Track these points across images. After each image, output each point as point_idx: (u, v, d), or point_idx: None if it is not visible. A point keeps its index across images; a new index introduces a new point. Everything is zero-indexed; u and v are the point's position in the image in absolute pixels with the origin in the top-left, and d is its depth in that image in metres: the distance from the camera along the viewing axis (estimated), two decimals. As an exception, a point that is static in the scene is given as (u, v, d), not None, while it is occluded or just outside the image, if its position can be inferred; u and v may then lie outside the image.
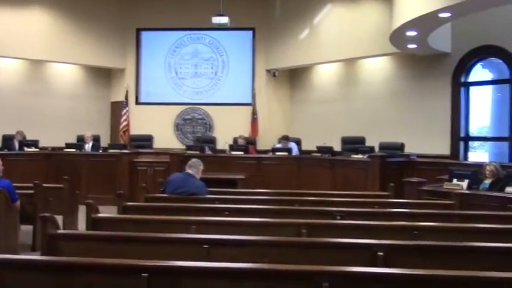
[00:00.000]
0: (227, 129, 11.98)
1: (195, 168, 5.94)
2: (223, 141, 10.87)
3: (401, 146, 9.56)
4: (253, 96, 12.55)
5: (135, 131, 12.49)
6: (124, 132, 12.56)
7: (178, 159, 9.22)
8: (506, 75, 9.16)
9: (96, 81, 13.16)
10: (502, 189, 5.96)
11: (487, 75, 9.89)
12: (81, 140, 10.68)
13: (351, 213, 4.84)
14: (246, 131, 12.08)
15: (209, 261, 3.11)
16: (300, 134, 11.54)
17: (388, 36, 9.09)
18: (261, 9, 12.71)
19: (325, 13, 11.53)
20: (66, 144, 10.39)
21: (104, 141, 11.79)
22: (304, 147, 11.04)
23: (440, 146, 9.85)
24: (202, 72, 12.99)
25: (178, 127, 12.93)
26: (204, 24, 11.99)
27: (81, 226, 6.20)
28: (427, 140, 10.03)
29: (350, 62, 11.74)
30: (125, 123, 12.62)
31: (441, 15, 7.56)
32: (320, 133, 11.65)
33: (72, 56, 12.07)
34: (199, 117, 12.89)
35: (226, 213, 4.84)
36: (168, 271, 2.75)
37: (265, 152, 10.68)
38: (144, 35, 13.06)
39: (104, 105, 13.29)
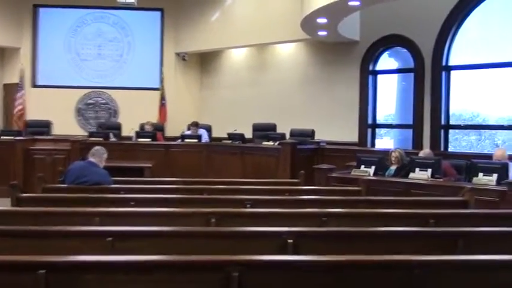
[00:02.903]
0: (133, 115, 11.70)
1: (98, 157, 5.75)
2: (129, 128, 10.61)
3: (311, 133, 9.83)
4: (162, 81, 12.34)
5: (31, 116, 11.83)
6: (19, 117, 11.88)
7: (79, 147, 8.88)
8: (411, 65, 9.68)
9: (-14, 61, 12.33)
10: (406, 175, 6.30)
11: (393, 63, 10.39)
12: (-32, 125, 9.99)
13: (261, 201, 4.90)
14: (153, 117, 11.86)
15: (114, 255, 3.04)
16: (211, 121, 11.53)
17: (299, 23, 9.28)
18: (170, -11, 12.51)
19: (236, -4, 11.56)
20: (-49, 130, 9.67)
21: (-4, 127, 11.10)
22: (215, 134, 11.04)
23: (349, 133, 10.25)
24: (106, 54, 12.56)
25: (80, 112, 12.45)
26: (108, 2, 11.61)
27: (-30, 220, 5.79)
28: (336, 127, 10.40)
29: (261, 47, 11.87)
30: (20, 107, 11.93)
31: (351, 3, 7.83)
32: (231, 119, 11.69)
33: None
34: (103, 101, 12.48)
35: (132, 203, 4.73)
36: (68, 267, 2.65)
37: (174, 139, 10.55)
38: (42, 11, 12.38)
39: (-5, 87, 12.50)
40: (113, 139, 9.89)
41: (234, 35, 11.54)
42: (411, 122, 9.62)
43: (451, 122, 9.38)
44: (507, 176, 5.62)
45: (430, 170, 6.12)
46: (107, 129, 10.58)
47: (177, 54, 12.66)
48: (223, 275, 2.61)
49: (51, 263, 2.62)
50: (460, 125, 9.47)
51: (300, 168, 6.97)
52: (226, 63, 12.76)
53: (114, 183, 5.72)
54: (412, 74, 9.67)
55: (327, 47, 10.61)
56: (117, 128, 10.91)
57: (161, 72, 12.43)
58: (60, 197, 5.16)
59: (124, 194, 5.29)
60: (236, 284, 2.60)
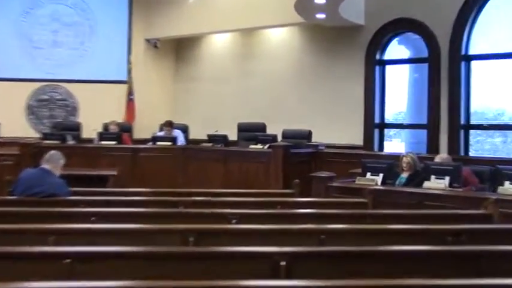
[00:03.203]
0: (95, 113, 11.64)
1: (53, 163, 5.74)
2: (90, 129, 10.57)
3: (308, 135, 9.85)
4: (129, 72, 12.30)
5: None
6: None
7: (31, 152, 8.83)
8: (425, 53, 9.71)
9: None
10: (420, 184, 6.34)
11: (404, 52, 10.44)
12: None
13: (249, 215, 4.91)
14: (119, 116, 11.82)
15: (72, 281, 3.03)
16: (187, 120, 11.50)
17: (293, 4, 9.29)
18: (139, -37, 12.49)
19: (218, -28, 11.57)
20: None
21: None
22: (192, 135, 11.02)
23: (352, 135, 10.27)
24: (63, 41, 12.49)
25: (31, 110, 12.37)
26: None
27: None
28: (337, 128, 10.42)
29: (248, 33, 11.87)
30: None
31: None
32: (212, 118, 11.69)
33: None
34: (60, 97, 12.42)
35: (94, 218, 4.72)
36: (16, 295, 2.64)
37: (144, 141, 10.52)
38: (-14, -11, 12.33)
39: None
40: (71, 142, 9.85)
41: (215, 18, 11.53)
42: (425, 122, 9.66)
43: (472, 122, 9.43)
44: (538, 185, 5.67)
45: (447, 178, 6.16)
46: (63, 130, 10.53)
47: (148, 40, 12.63)
48: (204, 304, 2.60)
49: (-3, 291, 2.61)
50: (482, 125, 9.52)
51: (294, 177, 6.97)
52: (206, 52, 12.74)
53: (72, 195, 5.71)
54: (426, 65, 9.71)
55: (326, 32, 10.63)
56: (76, 128, 10.86)
57: (129, 62, 12.39)
58: (7, 211, 5.12)
59: (84, 207, 5.28)
60: (219, 315, 2.60)
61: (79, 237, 4.03)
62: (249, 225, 4.61)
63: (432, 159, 7.19)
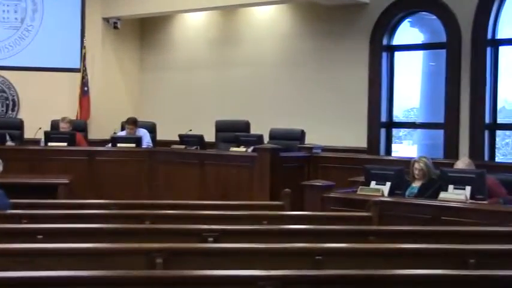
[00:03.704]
0: (41, 109, 11.63)
1: (-11, 169, 5.73)
2: (35, 127, 10.52)
3: (300, 135, 9.86)
4: (83, 59, 12.26)
5: None
6: None
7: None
8: (442, 38, 9.74)
9: None
10: (435, 195, 6.37)
11: (418, 36, 10.47)
12: None
13: (229, 232, 4.91)
14: (72, 112, 11.79)
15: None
16: (155, 117, 11.49)
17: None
18: None
19: None
20: None
21: None
22: (161, 136, 11.01)
23: (354, 135, 10.30)
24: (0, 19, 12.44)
25: (-39, 104, 12.33)
26: None
27: None
28: (336, 127, 10.44)
29: (228, 12, 11.88)
30: None
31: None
32: (184, 115, 11.69)
33: None
34: (-3, 88, 12.39)
35: (40, 236, 4.70)
36: None
37: (102, 143, 10.51)
38: None
39: None
40: (10, 143, 9.83)
41: (189, -6, 11.56)
42: (442, 120, 9.70)
43: (500, 120, 9.47)
44: None
45: (469, 188, 6.19)
46: (1, 129, 10.46)
47: (106, 20, 12.59)
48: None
49: None
50: None
51: (283, 186, 6.97)
52: (177, 35, 12.73)
53: (13, 208, 5.68)
54: (444, 51, 9.74)
55: (323, 12, 10.66)
56: (17, 127, 10.80)
57: (82, 47, 12.35)
58: None
59: (28, 223, 5.24)
60: None
61: (21, 259, 4.01)
62: (229, 244, 4.60)
63: (450, 165, 7.23)
